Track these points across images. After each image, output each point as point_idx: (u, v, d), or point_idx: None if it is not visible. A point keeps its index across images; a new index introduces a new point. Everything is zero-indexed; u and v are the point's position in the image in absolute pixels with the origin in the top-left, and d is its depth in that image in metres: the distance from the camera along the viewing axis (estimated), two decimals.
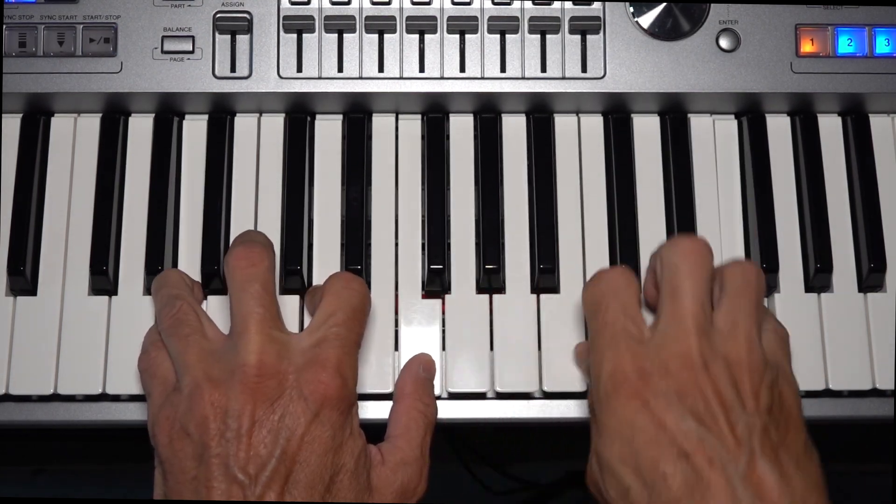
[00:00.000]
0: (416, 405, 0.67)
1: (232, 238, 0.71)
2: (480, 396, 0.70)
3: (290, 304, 0.70)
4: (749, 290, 0.62)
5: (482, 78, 0.74)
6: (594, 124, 0.76)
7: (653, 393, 0.58)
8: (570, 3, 0.74)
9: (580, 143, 0.75)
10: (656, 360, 0.59)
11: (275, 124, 0.75)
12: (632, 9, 0.74)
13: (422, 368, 0.69)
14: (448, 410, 0.70)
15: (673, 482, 0.56)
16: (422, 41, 0.74)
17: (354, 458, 0.61)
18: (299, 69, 0.73)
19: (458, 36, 0.74)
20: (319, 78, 0.73)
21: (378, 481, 0.63)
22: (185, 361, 0.62)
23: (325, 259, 0.72)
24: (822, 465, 0.59)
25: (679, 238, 0.63)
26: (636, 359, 0.59)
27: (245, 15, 0.73)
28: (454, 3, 0.74)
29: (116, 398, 0.70)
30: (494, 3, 0.74)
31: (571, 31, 0.74)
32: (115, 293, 0.71)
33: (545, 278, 0.71)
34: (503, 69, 0.74)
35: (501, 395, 0.70)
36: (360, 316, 0.64)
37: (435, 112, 0.75)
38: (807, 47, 0.74)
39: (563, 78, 0.74)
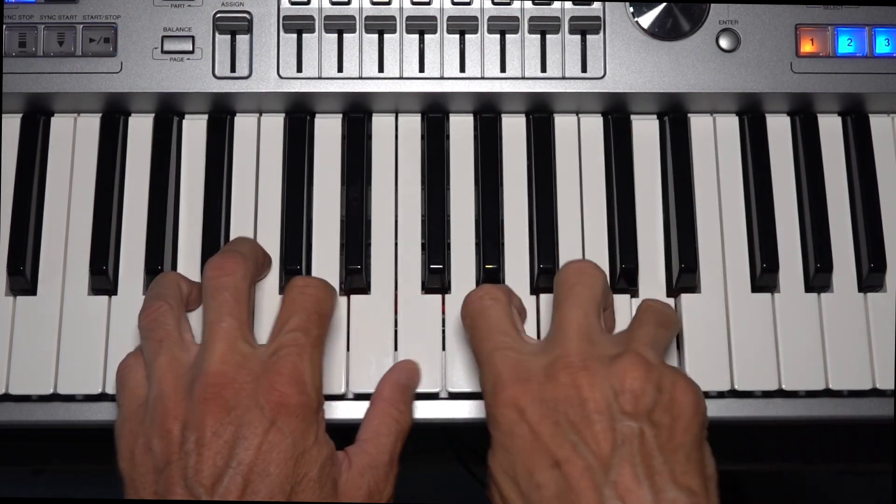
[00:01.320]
0: (389, 411, 0.66)
1: (232, 238, 0.72)
2: (480, 396, 0.70)
3: None
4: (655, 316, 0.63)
5: (482, 78, 0.74)
6: (594, 124, 0.76)
7: (530, 399, 0.58)
8: (570, 3, 0.74)
9: (580, 143, 0.75)
10: (535, 365, 0.59)
11: (275, 124, 0.75)
12: (632, 9, 0.74)
13: (405, 376, 0.68)
14: (448, 410, 0.70)
15: (546, 492, 0.56)
16: (422, 41, 0.74)
17: (318, 467, 0.60)
18: (299, 69, 0.73)
19: (458, 36, 0.74)
20: (319, 78, 0.73)
21: (344, 486, 0.62)
22: (154, 369, 0.62)
23: (325, 259, 0.72)
24: (715, 475, 0.57)
25: (569, 261, 0.64)
26: (514, 366, 0.59)
27: (245, 15, 0.73)
28: (454, 3, 0.74)
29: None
30: (494, 3, 0.74)
31: (571, 31, 0.74)
32: (115, 293, 0.71)
33: (545, 278, 0.71)
34: (503, 69, 0.74)
35: None
36: (317, 318, 0.64)
37: (435, 112, 0.75)
38: (807, 47, 0.74)
39: (563, 78, 0.74)
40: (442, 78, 0.74)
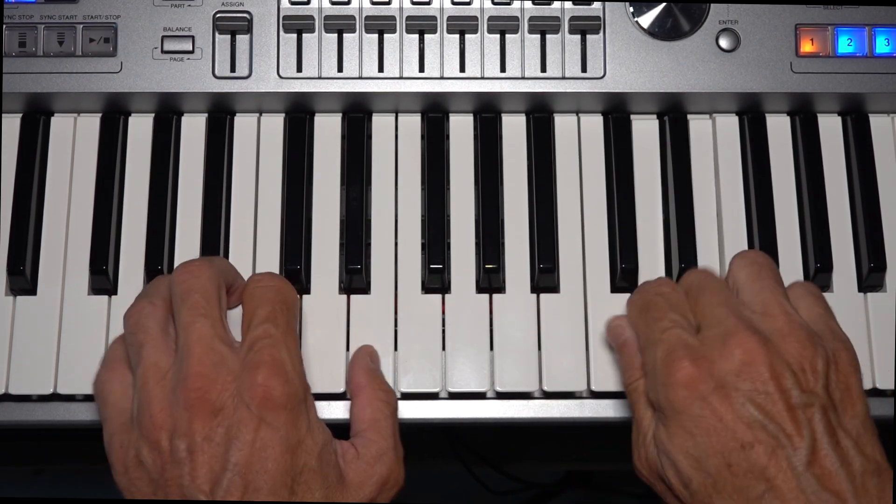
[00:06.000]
0: (377, 395, 0.66)
1: (231, 238, 0.72)
2: (480, 396, 0.70)
3: None
4: (763, 270, 0.63)
5: (482, 78, 0.74)
6: (594, 124, 0.76)
7: (710, 381, 0.58)
8: (570, 3, 0.74)
9: (580, 143, 0.75)
10: (710, 346, 0.59)
11: (275, 124, 0.75)
12: (632, 9, 0.74)
13: (370, 360, 0.68)
14: (448, 410, 0.70)
15: (737, 471, 0.57)
16: (422, 41, 0.74)
17: (316, 456, 0.60)
18: (299, 69, 0.73)
19: (457, 36, 0.74)
20: (319, 78, 0.73)
21: (356, 476, 0.62)
22: (138, 376, 0.61)
23: (325, 259, 0.72)
24: (879, 438, 0.60)
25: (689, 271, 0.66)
26: (689, 348, 0.59)
27: (245, 15, 0.73)
28: (454, 3, 0.74)
29: None
30: (494, 3, 0.74)
31: (571, 31, 0.74)
32: (115, 293, 0.71)
33: (545, 278, 0.71)
34: (503, 69, 0.74)
35: (501, 395, 0.70)
36: (282, 307, 0.63)
37: (435, 112, 0.75)
38: (807, 47, 0.74)
39: (563, 78, 0.74)
40: (442, 78, 0.74)
